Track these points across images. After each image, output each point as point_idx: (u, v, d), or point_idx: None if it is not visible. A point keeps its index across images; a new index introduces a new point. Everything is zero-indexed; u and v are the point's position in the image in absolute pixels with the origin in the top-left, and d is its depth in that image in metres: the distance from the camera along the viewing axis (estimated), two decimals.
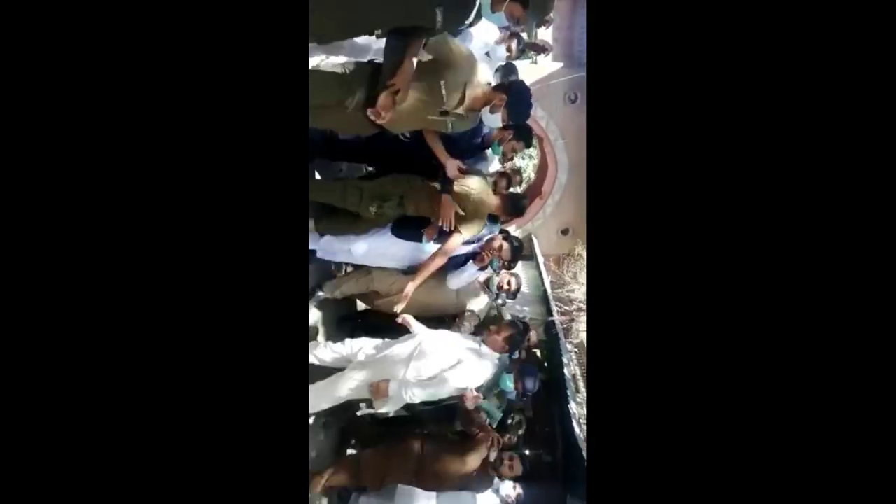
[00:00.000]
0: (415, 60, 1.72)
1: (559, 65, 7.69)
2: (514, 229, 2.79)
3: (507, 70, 2.84)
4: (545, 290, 4.27)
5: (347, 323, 3.09)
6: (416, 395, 2.25)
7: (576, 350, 8.03)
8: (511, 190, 2.72)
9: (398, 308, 2.46)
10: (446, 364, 2.28)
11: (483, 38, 2.76)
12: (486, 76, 2.09)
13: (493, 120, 2.15)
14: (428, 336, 2.44)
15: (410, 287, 2.41)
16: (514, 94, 2.04)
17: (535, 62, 7.66)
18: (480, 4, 1.67)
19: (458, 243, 2.43)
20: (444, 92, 1.88)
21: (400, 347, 2.38)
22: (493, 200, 2.45)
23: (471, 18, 1.72)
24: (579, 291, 8.18)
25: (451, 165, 2.36)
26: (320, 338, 2.84)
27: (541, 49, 4.31)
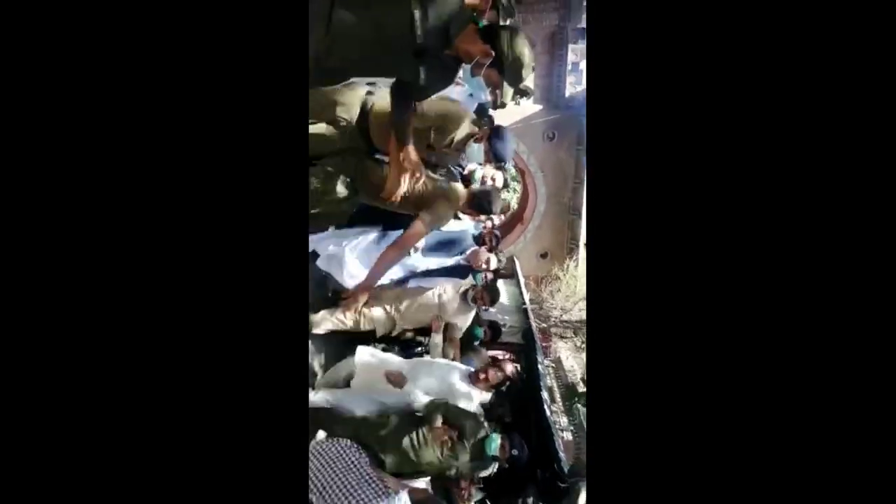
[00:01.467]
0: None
1: (539, 107, 8.61)
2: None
3: (486, 117, 2.94)
4: (525, 305, 4.85)
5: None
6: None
7: (552, 366, 8.58)
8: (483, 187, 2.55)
9: (351, 311, 2.33)
10: (442, 388, 2.31)
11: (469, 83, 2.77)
12: (471, 124, 2.22)
13: (477, 154, 2.42)
14: (427, 360, 2.48)
15: (362, 286, 2.29)
16: (495, 133, 2.28)
17: (518, 103, 8.55)
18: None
19: (419, 232, 2.19)
20: (432, 139, 2.07)
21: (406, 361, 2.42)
22: (461, 194, 2.25)
23: (452, 84, 1.82)
24: (557, 309, 8.89)
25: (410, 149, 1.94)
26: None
27: (523, 93, 4.94)
